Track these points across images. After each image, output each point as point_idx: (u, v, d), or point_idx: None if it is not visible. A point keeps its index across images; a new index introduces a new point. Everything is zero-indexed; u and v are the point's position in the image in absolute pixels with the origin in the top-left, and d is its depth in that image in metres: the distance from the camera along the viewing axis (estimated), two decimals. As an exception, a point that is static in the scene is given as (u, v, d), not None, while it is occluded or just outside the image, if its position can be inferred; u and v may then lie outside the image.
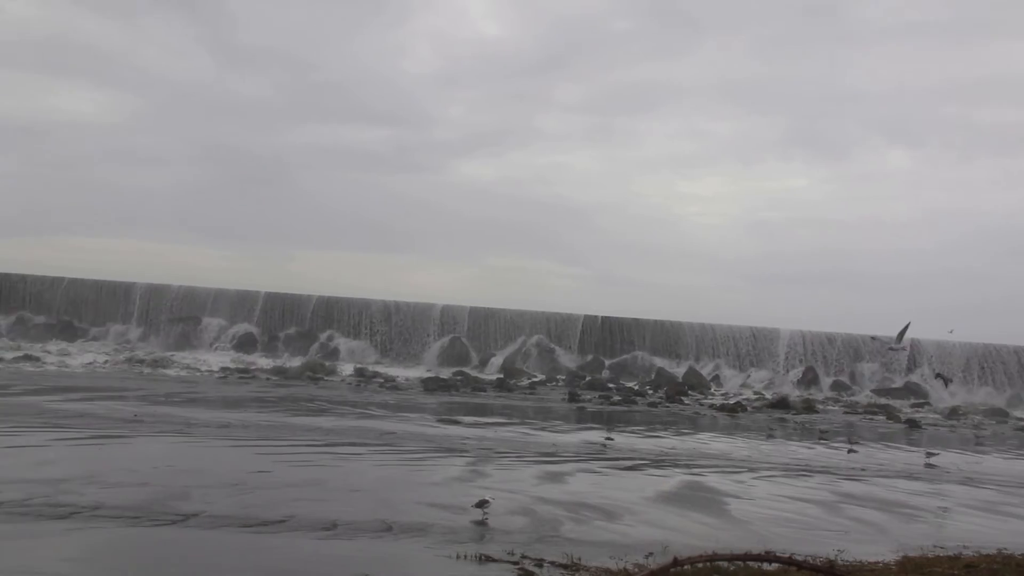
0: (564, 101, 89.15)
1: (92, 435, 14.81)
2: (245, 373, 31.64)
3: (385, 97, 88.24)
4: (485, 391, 31.08)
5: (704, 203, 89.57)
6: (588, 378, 36.95)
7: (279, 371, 32.84)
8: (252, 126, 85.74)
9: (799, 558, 8.22)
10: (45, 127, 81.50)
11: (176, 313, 42.03)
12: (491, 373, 37.46)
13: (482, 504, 10.09)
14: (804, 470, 16.26)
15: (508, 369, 38.06)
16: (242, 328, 41.55)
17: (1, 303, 42.04)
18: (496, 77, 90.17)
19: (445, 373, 35.83)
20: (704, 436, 21.44)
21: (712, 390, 36.82)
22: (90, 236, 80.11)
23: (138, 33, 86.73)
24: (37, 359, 31.18)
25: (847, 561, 8.74)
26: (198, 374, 30.43)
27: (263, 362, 36.05)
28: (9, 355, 31.44)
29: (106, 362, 32.10)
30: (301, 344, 40.62)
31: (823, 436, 23.16)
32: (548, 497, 11.73)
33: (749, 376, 40.07)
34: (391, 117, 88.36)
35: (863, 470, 16.83)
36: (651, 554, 8.74)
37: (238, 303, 42.74)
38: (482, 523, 9.82)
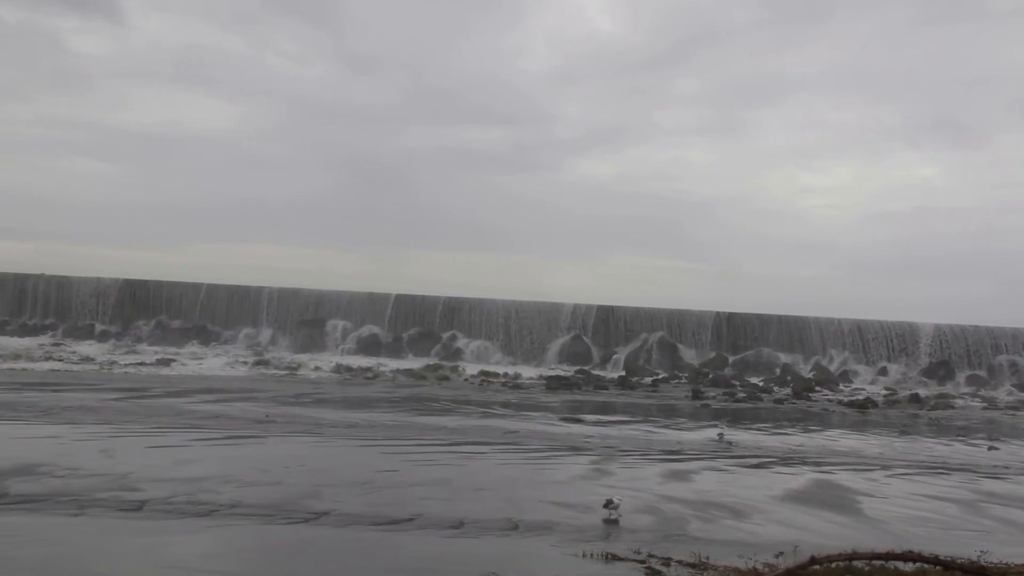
0: (683, 95, 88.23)
1: (227, 435, 15.32)
2: (370, 374, 32.26)
3: (502, 98, 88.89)
4: (607, 389, 30.96)
5: (829, 194, 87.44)
6: (711, 375, 36.42)
7: (403, 372, 33.37)
8: (375, 131, 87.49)
9: (945, 558, 7.90)
10: (178, 137, 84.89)
11: (303, 316, 43.12)
12: (613, 371, 37.28)
13: (609, 504, 10.02)
14: (941, 468, 15.67)
15: (630, 367, 37.81)
16: (367, 330, 42.38)
17: (142, 309, 43.86)
18: (613, 73, 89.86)
19: (567, 371, 35.85)
20: (833, 433, 20.87)
21: (840, 386, 35.80)
22: (221, 243, 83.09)
23: (265, 44, 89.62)
24: (173, 362, 32.43)
25: (992, 563, 8.37)
26: (325, 375, 31.16)
27: (388, 363, 36.70)
28: (149, 359, 32.80)
29: (238, 364, 33.14)
30: (424, 345, 41.19)
31: (960, 433, 22.28)
32: (674, 495, 11.60)
33: (880, 371, 38.84)
34: (508, 117, 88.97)
35: (1006, 468, 16.12)
36: (781, 553, 8.55)
37: (362, 305, 43.59)
38: (613, 522, 9.74)
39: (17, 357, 30.69)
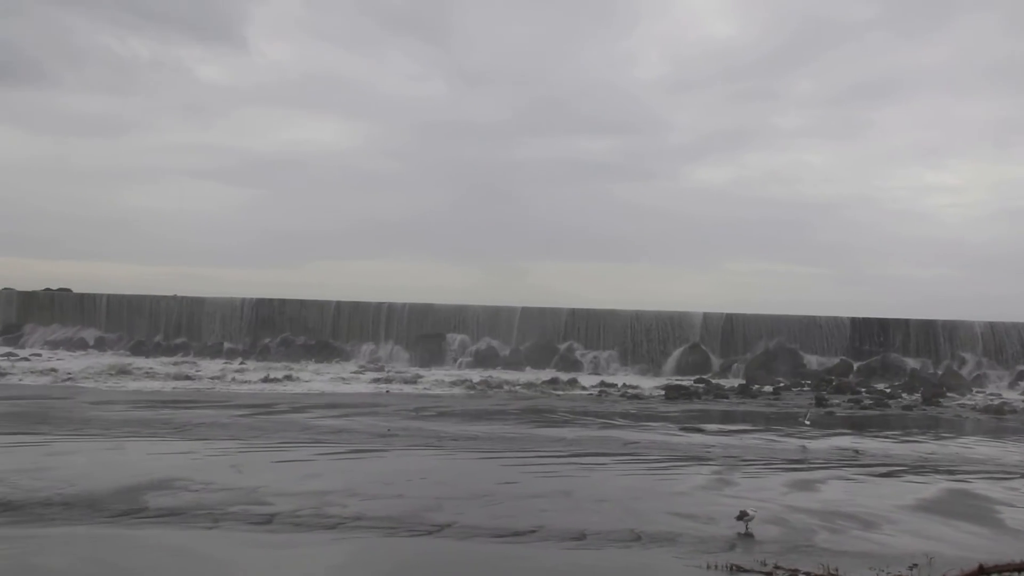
0: (801, 96, 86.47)
1: (350, 449, 15.64)
2: (489, 386, 32.49)
3: (616, 106, 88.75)
4: (727, 398, 30.46)
5: (955, 193, 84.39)
6: (835, 382, 35.46)
7: (522, 384, 33.51)
8: (489, 144, 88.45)
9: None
10: (299, 159, 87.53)
11: (422, 330, 43.73)
12: (733, 379, 36.68)
13: (744, 516, 9.80)
14: (1086, 475, 14.90)
15: (751, 375, 37.14)
16: (485, 343, 42.74)
17: (268, 327, 45.18)
18: (727, 77, 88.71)
19: (686, 381, 35.42)
20: (967, 440, 20.07)
21: (973, 391, 34.42)
22: (343, 260, 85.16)
23: (382, 64, 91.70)
24: (298, 378, 33.26)
25: None
26: (444, 389, 31.51)
27: (506, 375, 36.90)
28: (274, 375, 33.74)
29: (359, 379, 33.79)
30: (542, 357, 41.30)
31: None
32: (799, 506, 11.33)
33: (1017, 375, 37.18)
34: (622, 125, 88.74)
35: None
36: (915, 565, 8.26)
37: (480, 318, 43.97)
38: (747, 535, 9.54)
39: (152, 376, 31.93)
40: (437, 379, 34.42)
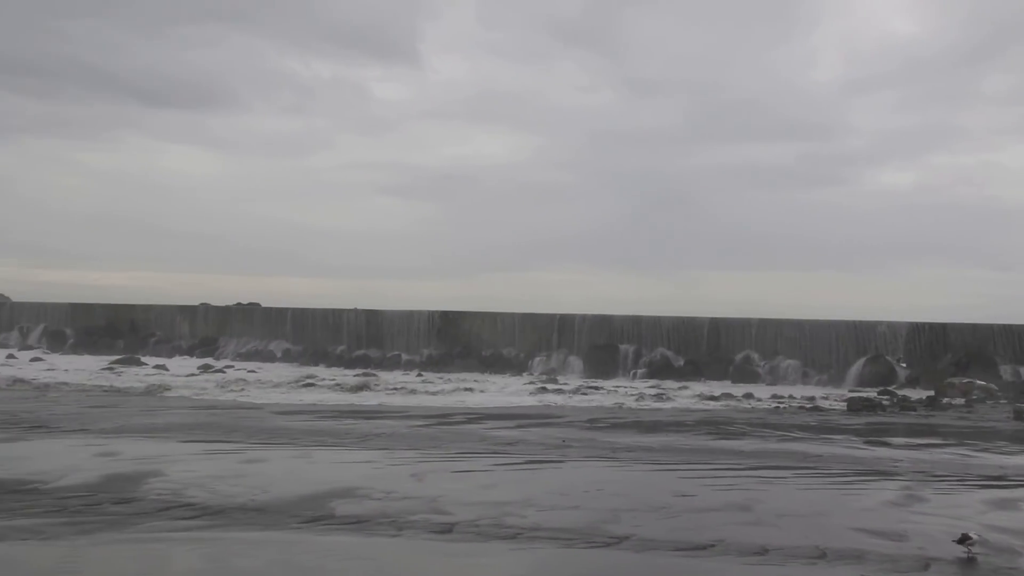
0: (993, 94, 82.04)
1: (526, 460, 15.78)
2: (663, 397, 32.18)
3: (794, 109, 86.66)
4: (915, 410, 29.09)
5: None
6: (1035, 393, 33.33)
7: (697, 395, 33.03)
8: (661, 153, 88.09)
9: None
10: (472, 172, 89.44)
11: (595, 341, 43.73)
12: (920, 390, 35.01)
13: (965, 540, 9.13)
14: None
15: (939, 386, 35.36)
16: (658, 353, 42.37)
17: (445, 339, 46.22)
18: (910, 76, 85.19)
19: (869, 392, 34.05)
20: None
21: None
22: (517, 272, 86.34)
23: (550, 76, 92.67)
24: (474, 389, 33.84)
25: None
26: (618, 400, 31.39)
27: (680, 385, 36.48)
28: (451, 386, 34.45)
29: (534, 390, 34.07)
30: (717, 366, 40.62)
31: None
32: (999, 525, 10.70)
33: None
34: (800, 130, 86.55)
35: None
36: None
37: (654, 329, 43.63)
38: (970, 560, 8.98)
39: (336, 388, 33.14)
40: (611, 390, 34.34)
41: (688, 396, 32.74)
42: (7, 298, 76.10)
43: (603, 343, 43.53)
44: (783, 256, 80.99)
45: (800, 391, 34.71)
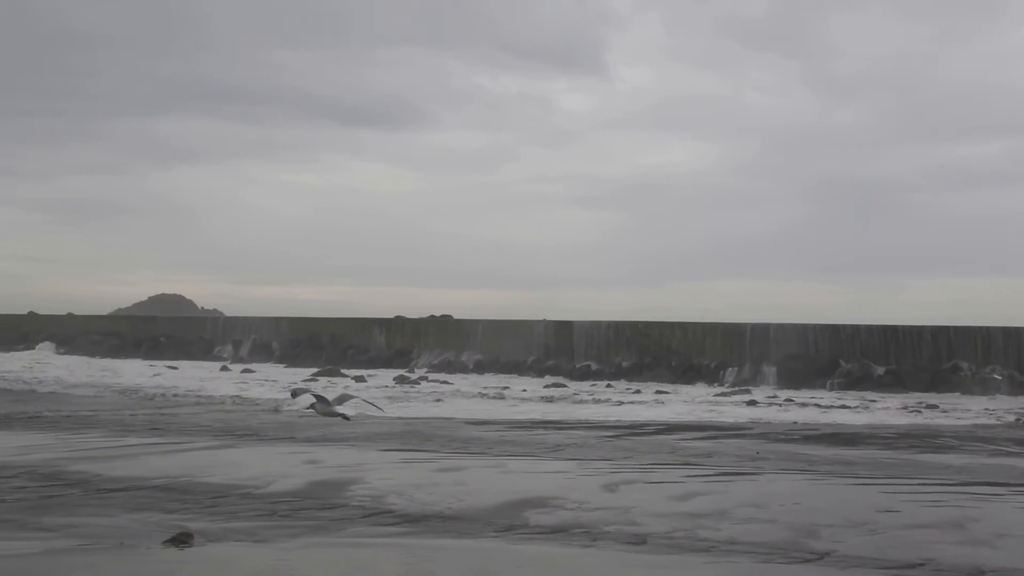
0: None
1: (719, 472, 15.49)
2: (861, 409, 30.95)
3: (1004, 106, 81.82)
4: None
5: None
6: None
7: (898, 407, 31.60)
8: (856, 156, 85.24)
9: None
10: (660, 181, 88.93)
11: (789, 351, 42.52)
12: None
13: None
14: None
15: None
16: (856, 363, 40.80)
17: (632, 348, 46.05)
18: None
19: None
20: None
21: None
22: (703, 280, 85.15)
23: (740, 81, 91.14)
24: (662, 400, 33.51)
25: None
26: (813, 411, 30.38)
27: (879, 396, 35.05)
28: (641, 396, 34.27)
29: (725, 402, 33.44)
30: (920, 376, 38.73)
31: None
32: None
33: None
34: (1010, 127, 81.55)
35: None
36: None
37: (851, 337, 42.07)
38: None
39: (527, 398, 33.58)
40: (806, 401, 33.29)
41: (889, 407, 31.32)
42: (220, 313, 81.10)
43: (797, 352, 42.25)
44: (992, 261, 76.42)
45: (1012, 403, 32.59)
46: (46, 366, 45.41)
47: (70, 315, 65.56)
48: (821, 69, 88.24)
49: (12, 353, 53.67)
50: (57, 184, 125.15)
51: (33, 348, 56.95)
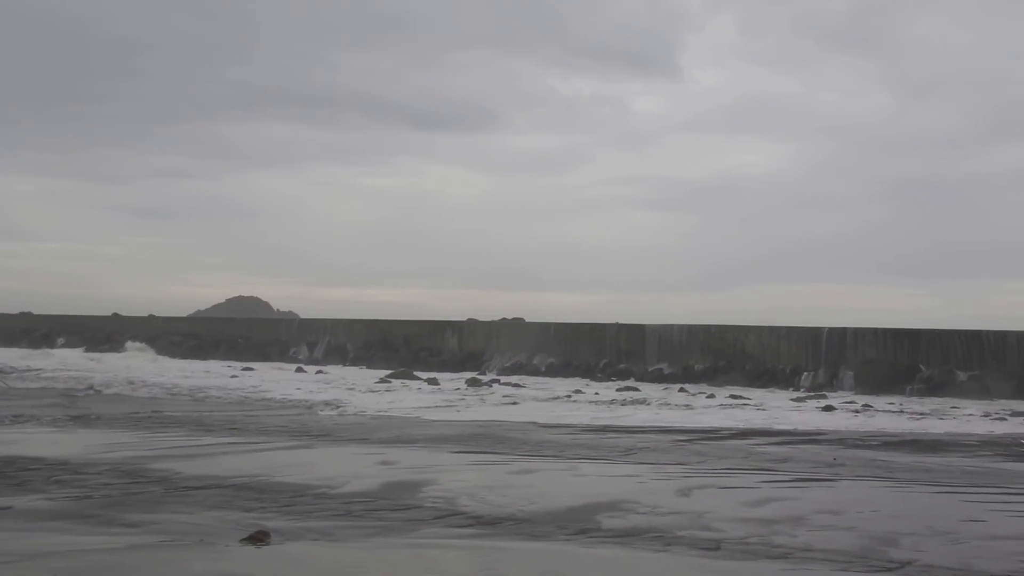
0: None
1: (794, 478, 15.25)
2: (942, 414, 30.25)
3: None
4: None
5: None
6: None
7: (980, 413, 30.79)
8: (940, 157, 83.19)
9: None
10: (734, 183, 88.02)
11: (866, 356, 41.70)
12: None
13: None
14: None
15: None
16: (937, 368, 39.81)
17: (705, 352, 45.58)
18: None
19: None
20: None
21: None
22: (776, 284, 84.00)
23: (816, 83, 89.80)
24: (735, 405, 33.12)
25: None
26: (892, 418, 29.76)
27: (962, 403, 34.17)
28: (714, 401, 33.91)
29: (796, 407, 32.95)
30: (1006, 382, 37.62)
31: None
32: None
33: None
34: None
35: None
36: None
37: (935, 342, 41.08)
38: None
39: (599, 401, 33.47)
40: (884, 407, 32.60)
41: (972, 414, 30.53)
42: (295, 315, 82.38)
43: (876, 357, 41.41)
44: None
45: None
46: (133, 368, 46.58)
47: (151, 316, 67.28)
48: (899, 68, 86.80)
49: (97, 353, 55.31)
50: (137, 187, 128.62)
51: (122, 350, 58.19)
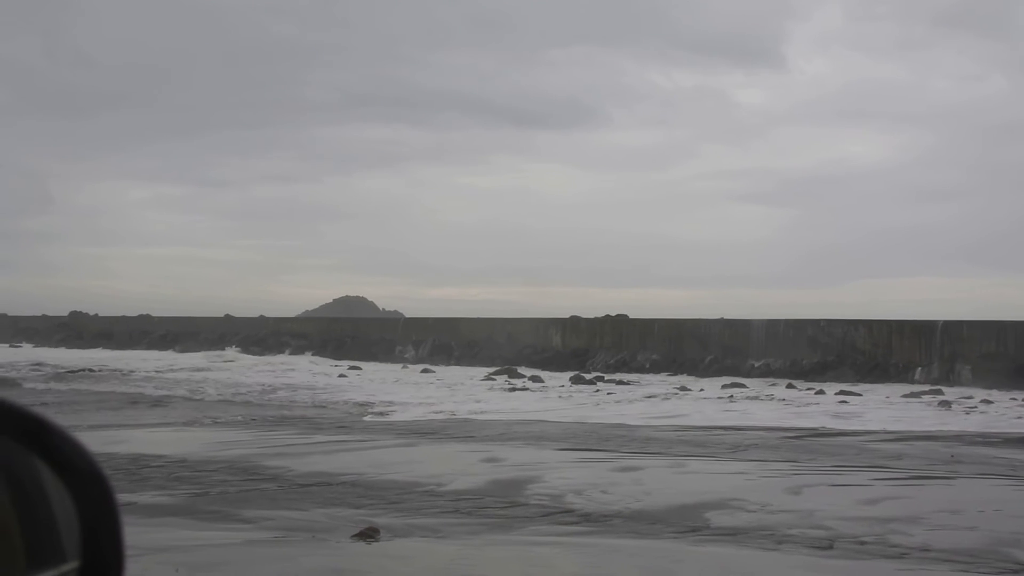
0: None
1: (910, 476, 14.81)
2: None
3: None
4: None
5: None
6: None
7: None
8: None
9: None
10: (841, 174, 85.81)
11: (985, 350, 40.24)
12: None
13: None
14: None
15: None
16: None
17: (812, 346, 44.58)
18: None
19: None
20: None
21: None
22: (886, 278, 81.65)
23: (930, 68, 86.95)
24: (845, 400, 32.31)
25: None
26: (1016, 412, 28.64)
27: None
28: (820, 397, 33.18)
29: (914, 401, 32.00)
30: None
31: None
32: None
33: None
34: None
35: None
36: None
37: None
38: None
39: (704, 398, 33.09)
40: (1005, 402, 31.39)
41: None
42: (400, 314, 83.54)
43: (994, 351, 39.90)
44: None
45: None
46: (237, 368, 47.78)
47: (262, 317, 69.04)
48: (1017, 51, 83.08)
49: (203, 352, 57.11)
50: (248, 192, 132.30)
51: (222, 349, 59.67)
